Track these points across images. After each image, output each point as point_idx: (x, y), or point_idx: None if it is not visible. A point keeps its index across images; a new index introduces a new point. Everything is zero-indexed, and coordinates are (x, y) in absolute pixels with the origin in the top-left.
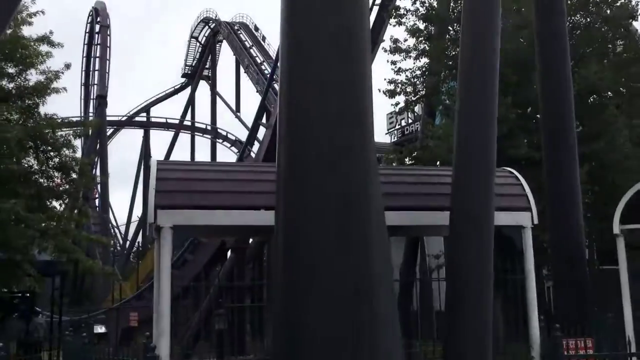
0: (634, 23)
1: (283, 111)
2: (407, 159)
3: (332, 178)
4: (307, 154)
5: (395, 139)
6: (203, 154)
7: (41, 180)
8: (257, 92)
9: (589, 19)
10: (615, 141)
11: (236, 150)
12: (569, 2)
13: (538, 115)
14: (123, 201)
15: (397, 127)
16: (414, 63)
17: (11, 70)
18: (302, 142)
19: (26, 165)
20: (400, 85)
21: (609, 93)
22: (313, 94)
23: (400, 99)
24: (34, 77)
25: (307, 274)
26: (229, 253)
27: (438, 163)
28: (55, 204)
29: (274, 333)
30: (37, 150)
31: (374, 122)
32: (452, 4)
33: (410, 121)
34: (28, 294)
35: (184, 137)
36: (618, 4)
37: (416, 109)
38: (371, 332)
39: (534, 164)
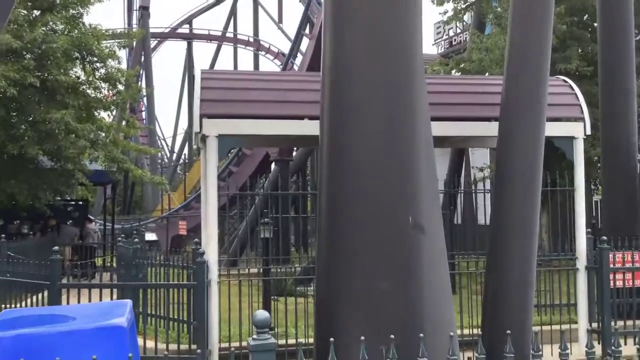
0: None
1: (328, 18)
2: (453, 71)
3: (377, 86)
4: (352, 61)
5: (442, 50)
6: (246, 67)
7: (89, 91)
8: (299, 1)
9: None
10: None
11: (279, 63)
12: None
13: (595, 24)
14: (168, 114)
15: (444, 37)
16: None
17: None
18: (348, 48)
19: (73, 76)
20: None
21: None
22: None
23: (449, 6)
24: None
25: (351, 182)
26: (272, 165)
27: (486, 75)
28: (104, 114)
29: (319, 242)
30: (83, 61)
31: (422, 28)
32: None
33: (458, 31)
34: (81, 202)
35: (227, 50)
36: None
37: (465, 17)
38: (414, 239)
39: (585, 78)
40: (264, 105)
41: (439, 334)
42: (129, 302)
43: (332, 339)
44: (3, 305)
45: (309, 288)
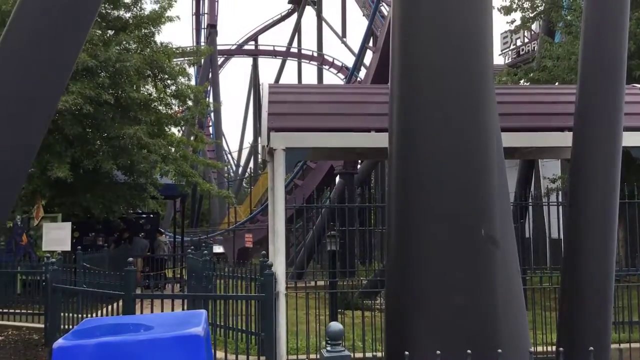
0: None
1: (396, 29)
2: (522, 81)
3: (447, 97)
4: (421, 73)
5: (510, 60)
6: (310, 81)
7: (160, 107)
8: (363, 15)
9: None
10: None
11: (342, 77)
12: None
13: None
14: (234, 128)
15: (511, 47)
16: None
17: (127, 0)
18: (416, 60)
19: (145, 93)
20: (516, 0)
21: None
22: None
23: (516, 16)
24: (148, 6)
25: (421, 195)
26: (337, 178)
27: (557, 84)
28: (174, 129)
29: (389, 256)
30: (155, 78)
31: (492, 38)
32: None
33: (526, 40)
34: (152, 215)
35: (291, 65)
36: None
37: (533, 26)
38: (488, 253)
39: None
40: (330, 118)
41: (514, 350)
42: (204, 313)
43: (407, 353)
44: (81, 315)
45: (374, 301)
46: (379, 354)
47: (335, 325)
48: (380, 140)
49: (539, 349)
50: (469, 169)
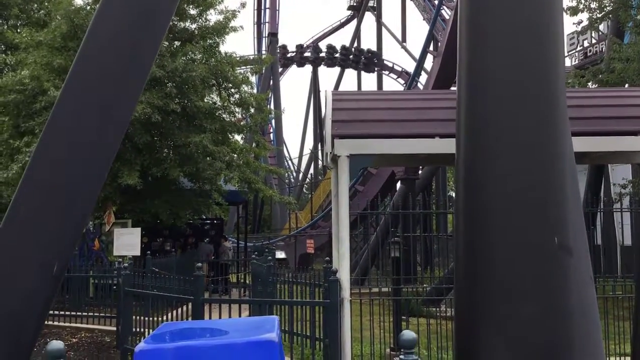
0: None
1: (464, 33)
2: (589, 83)
3: (518, 101)
4: (490, 76)
5: (577, 62)
6: (369, 87)
7: (224, 115)
8: (423, 20)
9: None
10: None
11: (402, 82)
12: None
13: None
14: (294, 135)
15: (578, 48)
16: None
17: (193, 12)
18: (485, 64)
19: (210, 101)
20: (583, 1)
21: None
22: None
23: (583, 16)
24: (213, 17)
25: (492, 202)
26: (398, 184)
27: (626, 86)
28: (237, 137)
29: (457, 263)
30: (219, 87)
31: (563, 39)
32: None
33: (593, 41)
34: (217, 221)
35: (351, 71)
36: None
37: (601, 27)
38: (562, 262)
39: None
40: (393, 124)
41: None
42: (276, 318)
43: None
44: (151, 319)
45: (438, 308)
46: None
47: (409, 334)
48: (444, 146)
49: (612, 359)
50: (542, 176)
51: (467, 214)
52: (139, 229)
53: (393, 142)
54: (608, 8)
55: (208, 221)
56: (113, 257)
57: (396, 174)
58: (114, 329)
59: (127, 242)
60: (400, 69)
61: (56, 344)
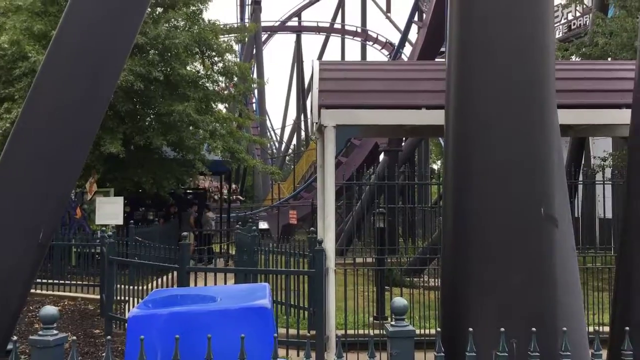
0: None
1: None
2: (573, 56)
3: (506, 72)
4: (480, 47)
5: (560, 35)
6: (353, 58)
7: (208, 84)
8: None
9: None
10: None
11: (387, 53)
12: None
13: None
14: (277, 105)
15: (562, 21)
16: None
17: None
18: (475, 33)
19: (194, 70)
20: None
21: None
22: None
23: None
24: None
25: (480, 174)
26: (381, 155)
27: (609, 60)
28: (221, 106)
29: (444, 234)
30: (202, 56)
31: (553, 12)
32: None
33: (577, 15)
34: (200, 190)
35: (335, 41)
36: None
37: (586, 0)
38: (547, 233)
39: None
40: (381, 95)
41: (571, 331)
42: (267, 286)
43: (470, 329)
44: (135, 287)
45: (420, 279)
46: (427, 331)
47: (400, 301)
48: (430, 117)
49: (590, 329)
50: (529, 148)
51: (455, 183)
52: (121, 198)
53: (380, 112)
54: None
55: (191, 190)
56: (95, 226)
57: (379, 146)
58: (97, 297)
59: (110, 211)
60: (384, 40)
61: (50, 309)
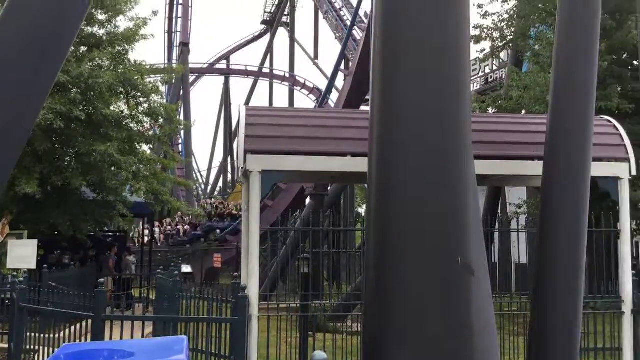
0: None
1: (377, 57)
2: (490, 108)
3: (426, 123)
4: (400, 101)
5: (478, 87)
6: (281, 102)
7: (132, 124)
8: (335, 38)
9: None
10: None
11: (314, 98)
12: None
13: (635, 62)
14: (204, 146)
15: (480, 74)
16: (502, 6)
17: (101, 17)
18: (397, 88)
19: (118, 110)
20: (486, 30)
21: None
22: (408, 35)
23: (486, 44)
24: (123, 24)
25: (399, 221)
26: (307, 199)
27: (523, 113)
28: (145, 147)
29: (367, 280)
30: (127, 96)
31: (470, 66)
32: None
33: (494, 68)
34: (120, 233)
35: (263, 85)
36: None
37: (502, 55)
38: (464, 282)
39: (626, 117)
40: (307, 141)
41: None
42: (185, 339)
43: None
44: (46, 336)
45: (342, 324)
46: None
47: (320, 355)
48: (355, 164)
49: None
50: (445, 196)
51: (377, 232)
52: (35, 241)
53: (306, 159)
54: (509, 38)
55: (111, 233)
56: (6, 270)
57: (306, 190)
58: (5, 346)
59: (22, 254)
60: (312, 86)
61: None
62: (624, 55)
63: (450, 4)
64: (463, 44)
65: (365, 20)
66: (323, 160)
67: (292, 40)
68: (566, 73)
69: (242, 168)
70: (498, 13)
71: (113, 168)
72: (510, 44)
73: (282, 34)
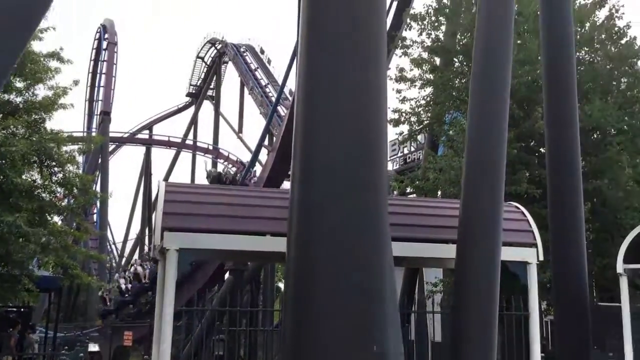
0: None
1: (298, 132)
2: (408, 188)
3: (343, 205)
4: (319, 180)
5: (397, 167)
6: (204, 174)
7: (44, 195)
8: (260, 114)
9: (593, 56)
10: (618, 179)
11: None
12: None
13: (542, 149)
14: (120, 217)
15: (399, 154)
16: (419, 93)
17: (19, 85)
18: (315, 168)
19: (30, 179)
20: (404, 114)
21: (612, 130)
22: (326, 108)
23: (404, 128)
24: (42, 92)
25: (317, 307)
26: (226, 274)
27: (439, 193)
28: (57, 219)
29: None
30: (41, 165)
31: (387, 145)
32: (458, 37)
33: (412, 149)
34: (24, 309)
35: (186, 156)
36: (623, 42)
37: (419, 137)
38: None
39: (534, 201)
40: (226, 220)
41: None
42: None
43: None
44: None
45: None
46: None
47: None
48: (275, 244)
49: None
50: (363, 277)
51: (294, 318)
52: None
53: (225, 238)
54: (425, 122)
55: (14, 309)
56: None
57: (225, 265)
58: None
59: None
60: (235, 159)
61: None
62: (532, 143)
63: (366, 92)
64: (380, 123)
65: (290, 98)
66: (242, 240)
67: (217, 113)
68: (477, 160)
69: (158, 245)
70: (415, 99)
71: (21, 240)
72: (427, 128)
73: (207, 106)
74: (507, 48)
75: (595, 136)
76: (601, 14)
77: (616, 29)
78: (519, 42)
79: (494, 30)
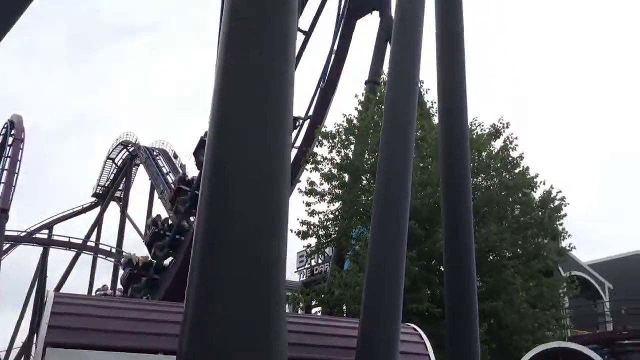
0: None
1: (199, 239)
2: (314, 301)
3: (238, 332)
4: (216, 300)
5: (305, 278)
6: (104, 278)
7: None
8: (169, 218)
9: (489, 182)
10: (513, 301)
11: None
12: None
13: (442, 268)
14: (9, 321)
15: (306, 266)
16: (328, 207)
17: None
18: (215, 273)
19: None
20: (312, 227)
21: (508, 253)
22: (229, 238)
23: (312, 241)
24: None
25: None
26: None
27: (345, 307)
28: None
29: None
30: None
31: (285, 269)
32: (366, 156)
33: (320, 261)
34: None
35: (86, 258)
36: (517, 171)
37: (327, 250)
38: None
39: (435, 320)
40: (116, 336)
41: None
42: None
43: None
44: None
45: None
46: None
47: None
48: None
49: None
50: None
51: None
52: None
53: (113, 355)
54: (333, 235)
55: None
56: None
57: None
58: None
59: None
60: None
61: None
62: (433, 262)
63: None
64: (280, 233)
65: None
66: (132, 357)
67: (124, 215)
68: (376, 279)
69: None
70: (324, 212)
71: None
72: (334, 242)
73: (113, 207)
74: (407, 170)
75: (491, 257)
76: (496, 144)
77: (510, 158)
78: (421, 164)
79: (395, 152)
